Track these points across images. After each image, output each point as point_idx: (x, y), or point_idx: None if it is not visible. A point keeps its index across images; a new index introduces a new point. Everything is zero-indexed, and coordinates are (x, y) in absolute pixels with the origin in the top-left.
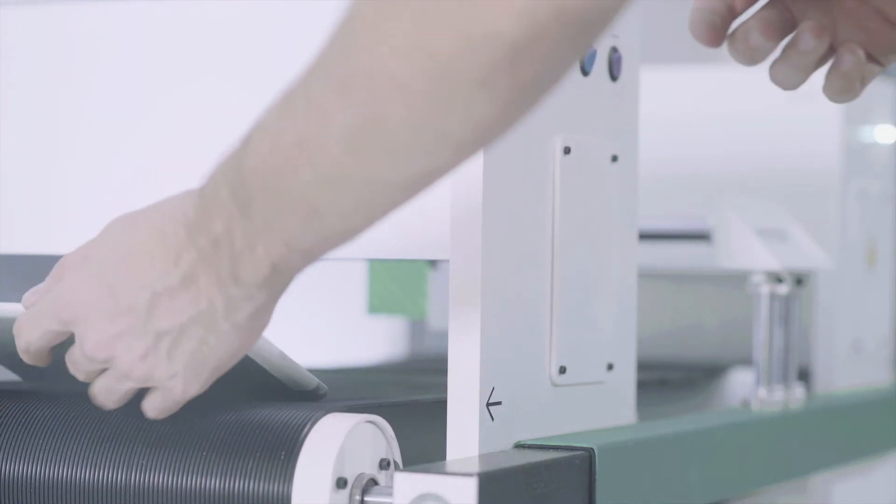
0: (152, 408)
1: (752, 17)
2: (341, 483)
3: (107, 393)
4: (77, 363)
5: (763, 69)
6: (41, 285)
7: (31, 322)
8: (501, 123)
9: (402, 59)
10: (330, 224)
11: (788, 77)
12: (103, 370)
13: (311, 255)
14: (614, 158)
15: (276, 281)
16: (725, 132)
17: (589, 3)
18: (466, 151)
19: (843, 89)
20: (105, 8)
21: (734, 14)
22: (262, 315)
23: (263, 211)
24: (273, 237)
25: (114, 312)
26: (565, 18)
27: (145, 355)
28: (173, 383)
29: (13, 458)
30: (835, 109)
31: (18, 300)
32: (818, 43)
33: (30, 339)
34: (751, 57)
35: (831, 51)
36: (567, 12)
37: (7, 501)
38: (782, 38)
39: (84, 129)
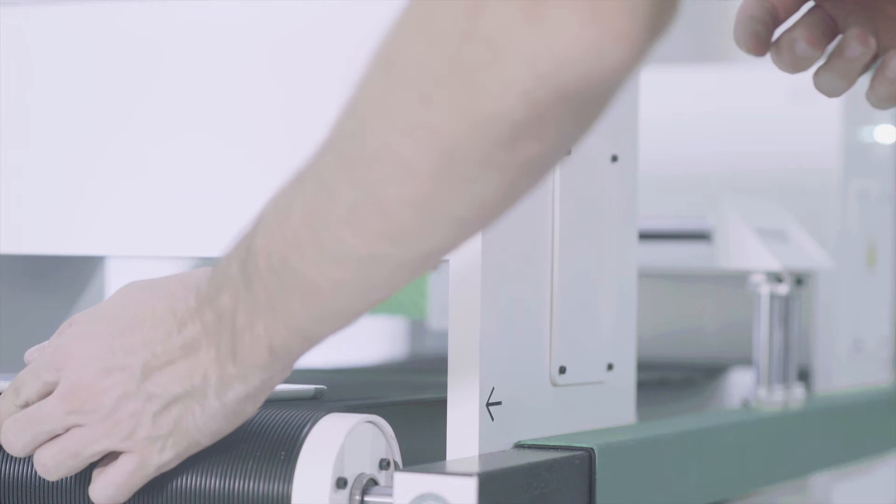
0: (113, 482)
1: (797, 25)
2: (341, 483)
3: (69, 456)
4: (48, 414)
5: (761, 69)
6: (45, 342)
7: (30, 374)
8: (505, 202)
9: (407, 139)
10: (330, 303)
11: (833, 85)
12: (70, 430)
13: (309, 339)
14: (614, 158)
15: (273, 365)
16: (725, 132)
17: (589, 81)
18: (469, 231)
19: (889, 95)
20: (120, 8)
21: (777, 21)
22: (252, 399)
23: (267, 288)
24: (274, 317)
25: (110, 367)
26: (567, 97)
27: (133, 413)
28: (152, 447)
29: (13, 458)
30: (835, 109)
31: (19, 300)
32: (864, 50)
33: (29, 394)
34: (796, 65)
35: (874, 57)
36: (568, 91)
37: (7, 501)
38: (827, 45)
39: (88, 129)
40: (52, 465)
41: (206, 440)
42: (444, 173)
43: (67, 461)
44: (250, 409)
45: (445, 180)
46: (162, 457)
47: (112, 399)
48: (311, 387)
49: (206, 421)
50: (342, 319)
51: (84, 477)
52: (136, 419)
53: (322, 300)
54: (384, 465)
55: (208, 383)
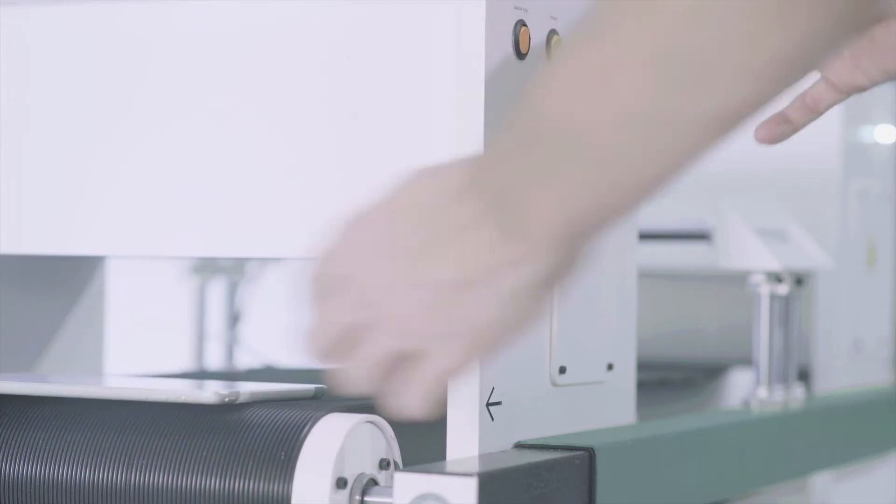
0: (409, 390)
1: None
2: (341, 483)
3: (364, 360)
4: (335, 312)
5: None
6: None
7: (320, 274)
8: (807, 60)
9: None
10: (626, 168)
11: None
12: (364, 334)
13: (602, 213)
14: None
15: (567, 245)
16: None
17: None
18: (771, 88)
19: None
20: (121, 8)
21: (817, 115)
22: (543, 288)
23: (553, 153)
24: (561, 185)
25: (391, 254)
26: None
27: (426, 307)
28: (448, 347)
29: (13, 459)
30: (835, 109)
31: (19, 300)
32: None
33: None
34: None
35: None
36: None
37: (7, 501)
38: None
39: (88, 129)
40: (356, 372)
41: (497, 339)
42: (748, 19)
43: (363, 368)
44: (543, 300)
45: (748, 28)
46: (458, 358)
47: (389, 287)
48: (311, 387)
49: (496, 312)
50: (637, 189)
51: (74, 477)
52: (431, 315)
53: (617, 164)
54: (384, 465)
55: (492, 267)
